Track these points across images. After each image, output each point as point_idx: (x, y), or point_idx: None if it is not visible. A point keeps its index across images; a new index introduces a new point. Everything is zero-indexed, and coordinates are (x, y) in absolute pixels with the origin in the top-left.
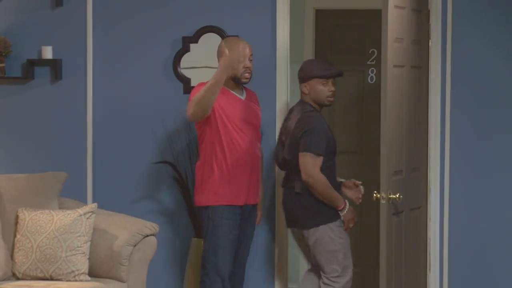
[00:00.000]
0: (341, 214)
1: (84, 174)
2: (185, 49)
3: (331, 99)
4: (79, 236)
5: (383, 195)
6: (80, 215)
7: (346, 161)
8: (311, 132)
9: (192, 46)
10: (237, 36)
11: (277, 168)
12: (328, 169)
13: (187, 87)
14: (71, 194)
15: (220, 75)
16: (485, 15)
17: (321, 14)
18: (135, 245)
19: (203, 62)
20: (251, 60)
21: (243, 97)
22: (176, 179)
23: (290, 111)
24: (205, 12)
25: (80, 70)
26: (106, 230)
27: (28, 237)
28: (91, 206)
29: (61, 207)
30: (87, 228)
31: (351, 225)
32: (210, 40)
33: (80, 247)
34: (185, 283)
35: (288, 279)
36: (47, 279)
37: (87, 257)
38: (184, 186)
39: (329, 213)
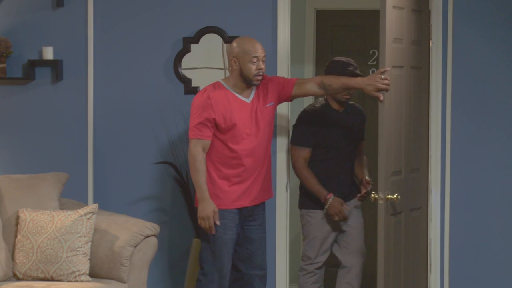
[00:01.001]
0: (325, 206)
1: (85, 175)
2: (186, 50)
3: (348, 97)
4: (80, 236)
5: (381, 195)
6: (81, 216)
7: None
8: (296, 125)
9: (193, 46)
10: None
11: (277, 168)
12: (323, 162)
13: (188, 87)
14: (72, 194)
15: (199, 199)
16: (486, 16)
17: (322, 15)
18: (135, 246)
19: (204, 63)
20: (263, 61)
21: (249, 99)
22: (177, 180)
23: None
24: (206, 12)
25: (81, 71)
26: (107, 231)
27: (29, 237)
28: (92, 206)
29: (62, 207)
30: (87, 228)
31: (336, 218)
32: (211, 41)
33: (81, 247)
34: (186, 284)
35: (288, 280)
36: (48, 280)
37: (88, 257)
38: (185, 186)
39: (311, 200)
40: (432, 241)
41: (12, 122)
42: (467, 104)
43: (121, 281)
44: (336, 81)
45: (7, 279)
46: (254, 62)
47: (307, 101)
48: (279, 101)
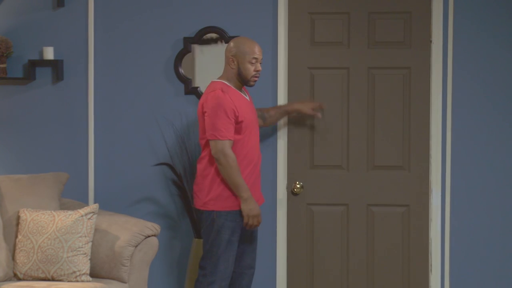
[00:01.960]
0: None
1: (86, 175)
2: (186, 50)
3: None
4: (81, 236)
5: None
6: (82, 216)
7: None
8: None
9: (193, 46)
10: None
11: (278, 169)
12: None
13: (188, 87)
14: (73, 194)
15: (244, 199)
16: (487, 16)
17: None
18: (136, 246)
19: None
20: (261, 63)
21: (247, 97)
22: (174, 182)
23: None
24: (207, 12)
25: (82, 71)
26: (108, 231)
27: (30, 237)
28: (93, 206)
29: (63, 207)
30: (88, 228)
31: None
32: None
33: (82, 247)
34: (186, 284)
35: (287, 280)
36: (48, 280)
37: (89, 257)
38: (182, 188)
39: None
40: (432, 241)
41: (13, 122)
42: (467, 104)
43: (122, 281)
44: (274, 110)
45: (7, 279)
46: (253, 63)
47: None
48: None
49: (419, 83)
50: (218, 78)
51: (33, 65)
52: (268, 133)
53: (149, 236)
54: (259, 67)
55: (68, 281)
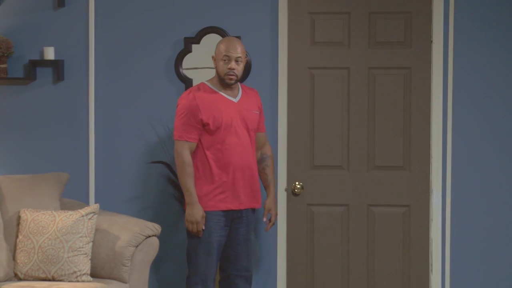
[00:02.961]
0: None
1: (86, 175)
2: (187, 50)
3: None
4: (81, 236)
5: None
6: (82, 216)
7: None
8: None
9: (194, 46)
10: (235, 36)
11: (278, 169)
12: None
13: (189, 87)
14: (73, 194)
15: (187, 203)
16: (487, 16)
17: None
18: (137, 246)
19: (205, 63)
20: (238, 61)
21: (236, 98)
22: (171, 180)
23: None
24: (207, 12)
25: (82, 71)
26: (108, 231)
27: (30, 237)
28: (93, 206)
29: (63, 207)
30: (89, 228)
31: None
32: (212, 41)
33: (82, 247)
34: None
35: (286, 281)
36: (49, 280)
37: (89, 257)
38: (179, 187)
39: None
40: (433, 241)
41: (13, 122)
42: (468, 104)
43: (122, 281)
44: (268, 174)
45: (8, 279)
46: (225, 61)
47: None
48: None
49: (419, 83)
50: (206, 80)
51: (34, 65)
52: (268, 134)
53: (149, 236)
54: (232, 65)
55: (69, 281)
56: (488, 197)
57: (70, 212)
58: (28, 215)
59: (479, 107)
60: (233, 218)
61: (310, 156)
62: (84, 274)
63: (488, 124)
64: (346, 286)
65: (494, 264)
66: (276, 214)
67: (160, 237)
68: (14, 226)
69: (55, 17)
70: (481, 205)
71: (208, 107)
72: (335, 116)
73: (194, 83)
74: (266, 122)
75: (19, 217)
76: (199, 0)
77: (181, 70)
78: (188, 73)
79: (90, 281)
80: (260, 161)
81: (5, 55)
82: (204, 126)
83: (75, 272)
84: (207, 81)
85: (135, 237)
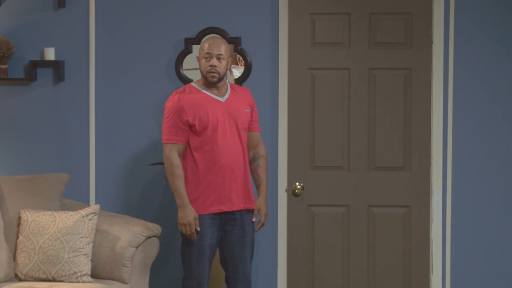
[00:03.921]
0: None
1: (87, 176)
2: (187, 50)
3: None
4: (82, 237)
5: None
6: (83, 217)
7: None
8: None
9: (194, 47)
10: (235, 37)
11: (278, 169)
12: None
13: None
14: (74, 195)
15: (178, 206)
16: (488, 16)
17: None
18: (137, 247)
19: None
20: (220, 58)
21: (223, 98)
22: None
23: None
24: (207, 13)
25: (83, 72)
26: (109, 232)
27: (31, 238)
28: (94, 207)
29: (64, 208)
30: (89, 229)
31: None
32: None
33: (83, 248)
34: None
35: (287, 282)
36: (49, 281)
37: (90, 258)
38: None
39: None
40: (433, 242)
41: (14, 123)
42: (468, 105)
43: (123, 281)
44: (259, 174)
45: (8, 279)
46: (207, 59)
47: None
48: None
49: (420, 84)
50: (193, 81)
51: (34, 66)
52: (268, 134)
53: (150, 237)
54: (213, 62)
55: (69, 282)
56: (489, 198)
57: (70, 213)
58: (29, 216)
59: (479, 107)
60: (226, 220)
61: (311, 157)
62: (85, 274)
63: (488, 125)
64: (346, 287)
65: (494, 265)
66: (266, 215)
67: (161, 237)
68: (15, 227)
69: (55, 18)
70: (481, 206)
71: (193, 108)
72: (335, 116)
73: None
74: (267, 122)
75: (19, 218)
76: (199, 0)
77: (181, 70)
78: (188, 74)
79: (90, 282)
80: (252, 161)
81: (6, 55)
82: (191, 127)
83: (75, 272)
84: (194, 82)
85: (136, 237)
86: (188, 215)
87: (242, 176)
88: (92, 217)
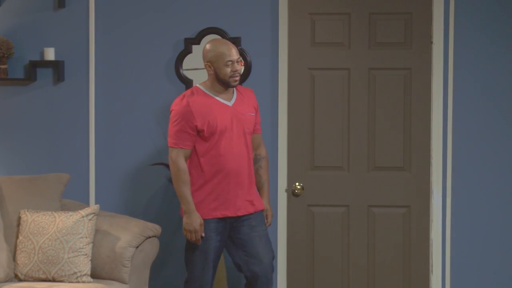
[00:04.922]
0: None
1: (86, 176)
2: (187, 51)
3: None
4: (81, 237)
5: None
6: (82, 217)
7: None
8: None
9: (194, 47)
10: (235, 37)
11: (278, 170)
12: None
13: (189, 88)
14: (73, 195)
15: (184, 211)
16: (488, 16)
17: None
18: (137, 247)
19: None
20: (239, 62)
21: (230, 102)
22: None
23: None
24: (207, 13)
25: (83, 72)
26: (108, 232)
27: (30, 238)
28: (93, 207)
29: (63, 208)
30: (89, 229)
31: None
32: None
33: (82, 248)
34: None
35: (286, 281)
36: (49, 281)
37: (89, 258)
38: None
39: None
40: (433, 242)
41: (14, 123)
42: (468, 105)
43: (123, 282)
44: (261, 176)
45: (8, 280)
46: (229, 65)
47: None
48: None
49: (420, 84)
50: (199, 84)
51: (34, 66)
52: (268, 134)
53: (150, 237)
54: (236, 67)
55: (69, 282)
56: (489, 198)
57: (70, 213)
58: (28, 216)
59: (479, 108)
60: (231, 224)
61: (310, 157)
62: (85, 275)
63: (488, 125)
64: (346, 286)
65: (494, 265)
66: (272, 215)
67: (161, 238)
68: (14, 227)
69: (55, 18)
70: (481, 206)
71: (202, 113)
72: (335, 116)
73: (195, 84)
74: (266, 122)
75: (19, 218)
76: (199, 0)
77: (181, 70)
78: (188, 74)
79: (90, 282)
80: (254, 162)
81: (6, 56)
82: (199, 132)
83: (75, 273)
84: (200, 84)
85: (135, 238)
86: (194, 221)
87: (247, 180)
88: (92, 217)
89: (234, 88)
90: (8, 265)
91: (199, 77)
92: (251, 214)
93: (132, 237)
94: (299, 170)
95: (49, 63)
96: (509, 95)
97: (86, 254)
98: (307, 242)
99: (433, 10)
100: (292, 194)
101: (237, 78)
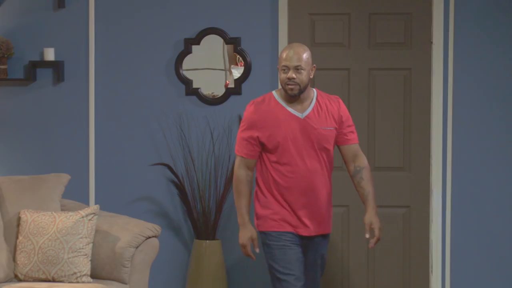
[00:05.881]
0: None
1: (86, 176)
2: (187, 51)
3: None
4: (81, 237)
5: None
6: (82, 217)
7: None
8: None
9: (194, 47)
10: (235, 37)
11: None
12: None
13: (189, 88)
14: (73, 195)
15: (239, 224)
16: (488, 16)
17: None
18: (137, 247)
19: (205, 64)
20: (298, 69)
21: (302, 114)
22: (173, 182)
23: None
24: (207, 13)
25: (82, 72)
26: (108, 232)
27: (30, 238)
28: (93, 207)
29: (63, 208)
30: (89, 229)
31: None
32: (212, 42)
33: (82, 248)
34: (187, 285)
35: None
36: (49, 281)
37: (89, 258)
38: (181, 188)
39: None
40: (433, 242)
41: (14, 123)
42: (468, 105)
43: (123, 282)
44: (364, 188)
45: (8, 280)
46: (284, 71)
47: None
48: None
49: (419, 84)
50: (275, 90)
51: (34, 66)
52: None
53: (150, 237)
54: (290, 74)
55: (69, 282)
56: (488, 198)
57: (70, 213)
58: (28, 216)
59: (479, 108)
60: (302, 241)
61: None
62: (84, 275)
63: (488, 125)
64: (346, 286)
65: (494, 265)
66: (380, 228)
67: (161, 238)
68: (14, 227)
69: (55, 18)
70: (481, 206)
71: (264, 124)
72: None
73: (194, 84)
74: None
75: (19, 218)
76: (199, 1)
77: (181, 71)
78: (188, 74)
79: (90, 282)
80: (354, 175)
81: (5, 56)
82: (262, 144)
83: (75, 273)
84: (276, 91)
85: (135, 238)
86: (244, 235)
87: (316, 200)
88: (92, 217)
89: (314, 98)
90: (8, 265)
91: (199, 77)
92: (323, 235)
93: (132, 237)
94: None
95: (49, 63)
96: (509, 95)
97: (86, 254)
98: None
99: (433, 10)
100: None
101: (292, 87)
